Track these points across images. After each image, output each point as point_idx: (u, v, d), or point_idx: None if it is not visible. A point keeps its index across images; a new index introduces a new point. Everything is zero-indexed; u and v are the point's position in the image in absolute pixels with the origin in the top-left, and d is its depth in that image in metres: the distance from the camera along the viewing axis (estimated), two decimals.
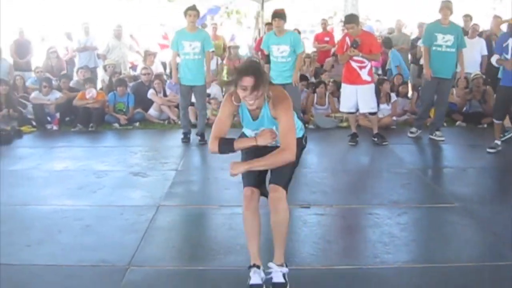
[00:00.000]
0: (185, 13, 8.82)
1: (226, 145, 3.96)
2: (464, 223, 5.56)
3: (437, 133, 8.98)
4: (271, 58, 8.87)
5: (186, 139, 9.16)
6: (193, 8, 8.85)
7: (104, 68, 12.97)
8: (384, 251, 4.82)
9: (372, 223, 5.55)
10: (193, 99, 9.34)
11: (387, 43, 12.42)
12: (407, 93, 11.32)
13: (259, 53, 10.65)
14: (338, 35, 13.91)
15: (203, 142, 8.99)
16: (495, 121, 8.27)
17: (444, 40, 8.47)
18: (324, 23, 14.40)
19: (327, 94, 10.90)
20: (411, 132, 9.25)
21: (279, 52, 8.78)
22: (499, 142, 8.18)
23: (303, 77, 11.15)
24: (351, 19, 8.73)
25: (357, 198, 6.45)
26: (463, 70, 9.08)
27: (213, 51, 9.25)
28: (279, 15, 8.78)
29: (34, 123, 10.55)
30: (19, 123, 10.27)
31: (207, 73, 9.08)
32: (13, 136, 9.59)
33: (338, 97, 10.75)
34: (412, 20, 16.56)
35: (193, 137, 9.19)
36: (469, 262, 4.64)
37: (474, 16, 12.77)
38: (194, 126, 10.10)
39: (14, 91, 11.38)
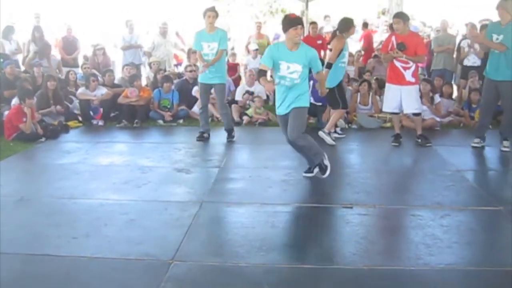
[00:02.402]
0: (204, 14, 8.76)
1: None
2: (510, 227, 5.47)
3: (504, 142, 8.49)
4: None
5: (201, 138, 9.16)
6: (212, 9, 8.82)
7: (149, 65, 13.14)
8: (427, 253, 4.78)
9: (415, 224, 5.51)
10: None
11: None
12: (451, 93, 11.20)
13: None
14: (381, 36, 13.86)
15: (230, 138, 9.08)
16: None
17: (498, 41, 8.21)
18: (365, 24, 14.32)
19: (371, 94, 10.85)
20: (475, 143, 8.68)
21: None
22: None
23: None
24: (398, 15, 8.77)
25: (400, 199, 6.42)
26: None
27: (225, 50, 9.19)
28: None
29: (80, 118, 10.75)
30: (66, 118, 10.48)
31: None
32: (60, 130, 9.82)
33: (381, 96, 10.73)
34: (459, 20, 16.35)
35: (236, 135, 9.26)
36: None
37: None
38: (238, 124, 10.20)
39: (66, 85, 11.61)
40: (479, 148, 8.59)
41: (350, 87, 10.99)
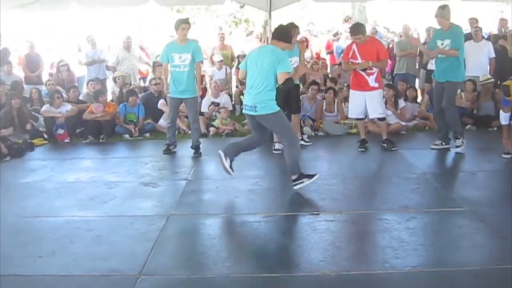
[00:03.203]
0: (178, 25, 8.65)
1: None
2: (474, 227, 5.55)
3: (457, 141, 8.64)
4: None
5: (168, 151, 9.12)
6: (186, 21, 8.75)
7: (114, 80, 13.07)
8: (393, 256, 4.83)
9: (382, 228, 5.56)
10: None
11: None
12: (415, 97, 11.34)
13: None
14: (345, 42, 13.96)
15: (197, 154, 8.97)
16: None
17: (443, 46, 8.35)
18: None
19: (336, 101, 10.93)
20: (435, 144, 8.85)
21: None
22: None
23: (314, 83, 11.19)
24: (357, 31, 8.66)
25: (366, 203, 6.46)
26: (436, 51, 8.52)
27: (202, 62, 9.28)
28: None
29: (45, 136, 10.63)
30: (31, 136, 10.35)
31: (198, 84, 9.00)
32: (25, 149, 9.68)
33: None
34: (421, 25, 16.55)
35: (203, 146, 9.18)
36: (479, 266, 4.63)
37: (482, 19, 12.78)
38: (205, 135, 10.17)
39: (28, 103, 11.50)
40: (443, 150, 8.70)
41: (318, 96, 11.06)
